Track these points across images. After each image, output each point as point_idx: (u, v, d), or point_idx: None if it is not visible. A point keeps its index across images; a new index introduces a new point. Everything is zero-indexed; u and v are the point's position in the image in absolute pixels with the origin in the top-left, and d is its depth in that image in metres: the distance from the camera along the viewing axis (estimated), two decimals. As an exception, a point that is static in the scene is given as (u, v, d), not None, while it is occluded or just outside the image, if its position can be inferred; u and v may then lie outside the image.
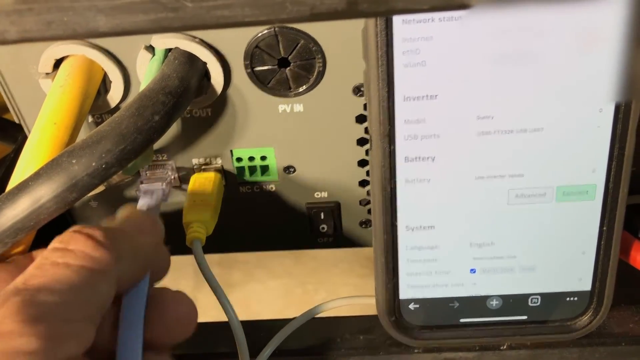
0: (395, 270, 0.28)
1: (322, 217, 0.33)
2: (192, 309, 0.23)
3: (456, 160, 0.26)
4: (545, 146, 0.25)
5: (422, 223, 0.27)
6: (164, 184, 0.29)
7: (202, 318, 0.43)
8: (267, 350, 0.28)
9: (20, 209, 0.23)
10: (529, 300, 0.28)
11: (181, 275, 0.45)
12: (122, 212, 0.24)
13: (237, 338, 0.26)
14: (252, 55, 0.27)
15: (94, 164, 0.23)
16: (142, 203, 0.27)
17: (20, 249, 0.27)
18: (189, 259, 0.45)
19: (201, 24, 0.18)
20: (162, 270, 0.25)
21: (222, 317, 0.41)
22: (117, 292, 0.21)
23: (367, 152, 0.31)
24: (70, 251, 0.21)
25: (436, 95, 0.24)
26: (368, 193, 0.32)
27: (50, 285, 0.19)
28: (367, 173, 0.31)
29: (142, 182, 0.30)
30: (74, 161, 0.23)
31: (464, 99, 0.24)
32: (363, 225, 0.34)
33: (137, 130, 0.24)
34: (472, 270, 0.28)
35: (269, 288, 0.50)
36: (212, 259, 0.45)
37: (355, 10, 0.17)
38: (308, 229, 0.34)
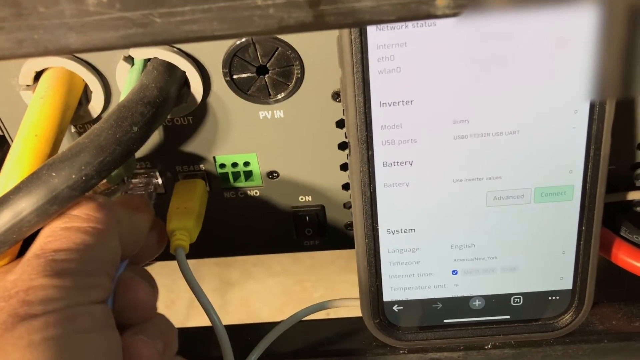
0: (378, 273, 0.28)
1: (307, 220, 0.33)
2: (149, 294, 0.25)
3: (434, 164, 0.26)
4: (521, 148, 0.25)
5: (403, 226, 0.27)
6: (149, 187, 0.29)
7: (197, 319, 0.43)
8: (254, 355, 0.29)
9: (2, 222, 0.24)
10: (512, 300, 0.29)
11: (178, 275, 0.45)
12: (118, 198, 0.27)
13: (222, 343, 0.27)
14: (231, 64, 0.27)
15: (73, 176, 0.23)
16: None
17: (4, 261, 0.27)
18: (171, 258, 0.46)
19: (170, 39, 0.18)
20: (153, 249, 0.28)
21: (220, 317, 0.42)
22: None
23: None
24: (75, 215, 0.23)
25: (412, 101, 0.25)
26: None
27: (66, 246, 0.22)
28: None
29: (126, 191, 0.30)
30: (53, 174, 0.23)
31: (439, 104, 0.25)
32: (349, 228, 0.34)
33: (115, 141, 0.24)
34: (454, 272, 0.28)
35: (268, 286, 0.51)
36: (196, 255, 0.46)
37: (322, 23, 0.18)
38: (294, 233, 0.34)
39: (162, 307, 0.42)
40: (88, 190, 0.24)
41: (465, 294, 0.29)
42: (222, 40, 0.19)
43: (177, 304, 0.47)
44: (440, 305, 0.29)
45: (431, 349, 0.30)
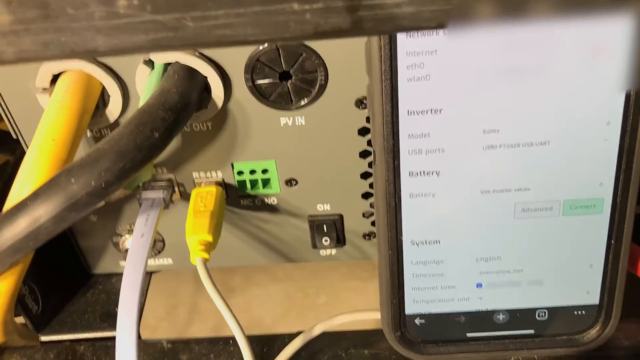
0: (401, 285, 0.27)
1: (325, 229, 0.33)
2: None
3: (462, 175, 0.25)
4: (551, 160, 0.25)
5: (428, 238, 0.27)
6: (165, 192, 0.29)
7: (203, 324, 0.42)
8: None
9: (19, 229, 0.23)
10: (536, 314, 0.28)
11: (181, 281, 0.44)
12: None
13: (244, 354, 0.26)
14: (253, 69, 0.26)
15: (93, 182, 0.23)
16: (144, 210, 0.26)
17: (19, 268, 0.26)
18: (189, 265, 0.45)
19: (202, 43, 0.17)
20: None
21: (222, 323, 0.41)
22: None
23: (369, 165, 0.30)
24: None
25: (441, 110, 0.24)
26: (371, 205, 0.32)
27: None
28: (370, 185, 0.31)
29: (142, 194, 0.29)
30: (73, 180, 0.23)
31: (469, 113, 0.24)
32: (366, 238, 0.33)
33: (136, 147, 0.24)
34: (479, 285, 0.28)
35: (270, 292, 0.50)
36: (211, 263, 0.45)
37: (359, 29, 0.17)
38: (310, 242, 0.34)
39: (163, 313, 0.41)
40: (107, 197, 0.24)
41: (489, 308, 0.28)
42: (254, 45, 0.18)
43: (178, 309, 0.47)
44: (463, 318, 0.28)
45: (452, 363, 0.29)
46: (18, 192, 0.25)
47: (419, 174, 0.25)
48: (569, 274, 0.27)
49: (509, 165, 0.25)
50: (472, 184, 0.25)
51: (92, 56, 0.18)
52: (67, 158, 0.26)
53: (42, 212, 0.23)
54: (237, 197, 0.32)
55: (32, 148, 0.26)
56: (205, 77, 0.26)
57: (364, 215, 0.32)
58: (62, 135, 0.26)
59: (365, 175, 0.31)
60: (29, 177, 0.25)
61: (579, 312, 0.28)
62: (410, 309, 0.28)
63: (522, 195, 0.26)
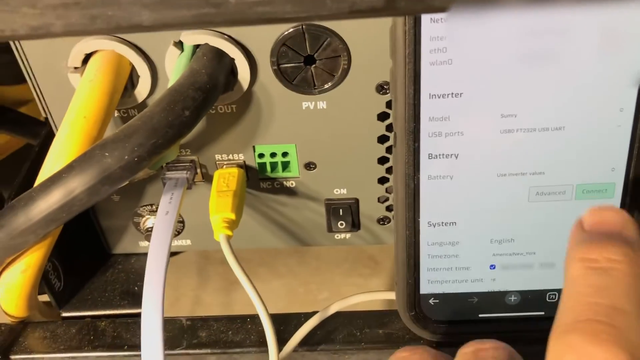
0: (416, 266, 0.28)
1: (341, 213, 0.33)
2: None
3: (479, 158, 0.26)
4: (566, 145, 0.26)
5: (444, 219, 0.27)
6: (188, 173, 0.30)
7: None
8: (292, 343, 0.29)
9: (53, 200, 0.24)
10: (547, 296, 0.29)
11: (184, 273, 0.45)
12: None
13: (266, 330, 0.27)
14: (279, 53, 0.27)
15: (126, 157, 0.24)
16: (168, 189, 0.27)
17: (48, 240, 0.27)
18: (191, 257, 0.46)
19: (243, 20, 0.18)
20: None
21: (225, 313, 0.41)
22: None
23: (387, 150, 0.31)
24: None
25: (461, 94, 0.25)
26: (387, 190, 0.33)
27: None
28: (387, 170, 0.32)
29: (165, 174, 0.30)
30: (106, 154, 0.24)
31: (488, 98, 0.25)
32: (381, 222, 0.34)
33: (168, 124, 0.24)
34: (492, 266, 0.28)
35: (272, 287, 0.51)
36: (216, 256, 0.45)
37: (393, 8, 0.18)
38: (325, 226, 0.34)
39: (166, 305, 0.42)
40: (138, 172, 0.25)
41: (501, 289, 0.29)
42: (292, 22, 0.19)
43: (181, 301, 0.47)
44: (476, 299, 0.29)
45: (463, 343, 0.30)
46: (50, 166, 0.26)
47: (438, 156, 0.26)
48: (579, 258, 0.28)
49: (525, 149, 0.26)
50: (489, 167, 0.26)
51: (136, 31, 0.19)
52: (98, 136, 0.27)
53: (77, 184, 0.24)
54: (257, 180, 0.33)
55: (64, 125, 0.26)
56: (233, 59, 0.27)
57: (379, 200, 0.33)
58: (93, 113, 0.26)
59: (382, 160, 0.31)
60: (61, 152, 0.26)
61: (589, 295, 0.29)
62: (425, 289, 0.29)
63: (536, 179, 0.26)
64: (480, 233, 0.28)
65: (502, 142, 0.26)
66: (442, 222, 0.28)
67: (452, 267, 0.28)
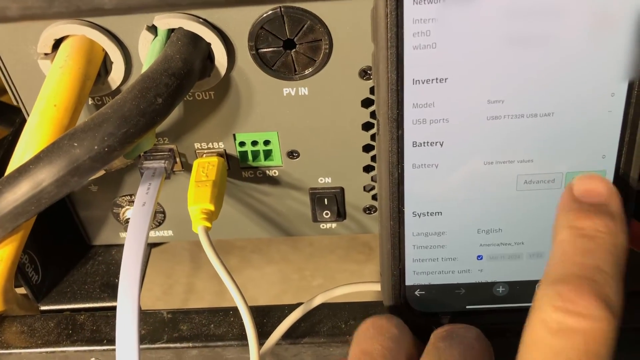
0: (402, 257, 0.27)
1: (326, 202, 0.33)
2: None
3: (465, 145, 0.25)
4: (555, 131, 0.25)
5: (430, 209, 0.27)
6: (166, 162, 0.29)
7: (198, 303, 0.42)
8: (275, 336, 0.28)
9: (20, 192, 0.23)
10: (536, 287, 0.28)
11: (177, 261, 0.44)
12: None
13: (246, 323, 0.26)
14: (257, 37, 0.26)
15: (96, 147, 0.23)
16: (145, 179, 0.26)
17: (20, 234, 0.26)
18: (185, 245, 0.45)
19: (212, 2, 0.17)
20: None
21: (218, 303, 0.41)
22: None
23: (372, 137, 0.30)
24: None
25: (446, 79, 0.24)
26: (372, 179, 0.32)
27: None
28: (372, 158, 0.31)
29: (143, 164, 0.29)
30: (75, 144, 0.23)
31: (474, 83, 0.24)
32: (367, 212, 0.33)
33: (140, 112, 0.23)
34: (479, 257, 0.28)
35: (266, 274, 0.50)
36: (211, 236, 0.45)
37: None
38: (310, 216, 0.34)
39: (159, 292, 0.41)
40: (109, 163, 0.24)
41: (489, 280, 0.28)
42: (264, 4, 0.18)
43: (174, 289, 0.47)
44: (463, 290, 0.28)
45: (451, 335, 0.30)
46: (20, 157, 0.25)
47: (422, 144, 0.25)
48: (569, 247, 0.27)
49: (513, 136, 0.25)
50: (476, 155, 0.25)
51: (98, 14, 0.18)
52: (69, 124, 0.26)
53: (45, 176, 0.23)
54: (238, 169, 0.32)
55: (34, 113, 0.25)
56: (209, 44, 0.26)
57: (365, 189, 0.32)
58: (64, 101, 0.25)
59: (367, 148, 0.30)
60: (31, 142, 0.25)
61: (579, 285, 0.28)
62: (410, 280, 0.28)
63: (524, 167, 0.26)
64: (466, 223, 0.27)
65: (489, 128, 0.25)
66: (428, 212, 0.27)
67: (438, 257, 0.28)
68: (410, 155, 0.25)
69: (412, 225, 0.27)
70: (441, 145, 0.25)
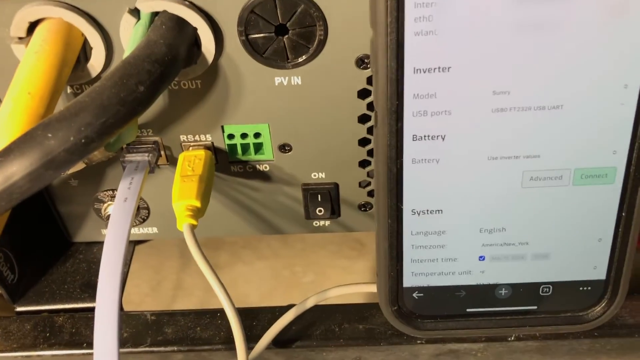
0: (399, 257, 0.26)
1: (319, 199, 0.31)
2: None
3: (468, 139, 0.24)
4: (564, 125, 0.23)
5: (430, 207, 0.25)
6: (150, 155, 0.27)
7: (187, 299, 0.41)
8: (265, 340, 0.26)
9: (-11, 187, 0.21)
10: (540, 289, 0.27)
11: (166, 257, 0.43)
12: None
13: (233, 326, 0.24)
14: (247, 21, 0.24)
15: (72, 138, 0.21)
16: (128, 174, 0.25)
17: (-9, 231, 0.24)
18: (174, 240, 0.44)
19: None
20: None
21: (208, 300, 0.39)
22: None
23: (368, 130, 0.29)
24: None
25: (449, 68, 0.22)
26: (368, 174, 0.30)
27: None
28: (368, 153, 0.30)
29: (125, 157, 0.27)
30: (49, 135, 0.21)
31: (479, 72, 0.22)
32: (362, 209, 0.32)
33: (120, 101, 0.22)
34: (481, 258, 0.26)
35: (256, 269, 0.49)
36: (198, 233, 0.43)
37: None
38: (303, 213, 0.32)
39: (147, 289, 0.40)
40: (87, 155, 0.22)
41: (491, 282, 0.27)
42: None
43: (163, 285, 0.46)
44: (464, 293, 0.27)
45: (451, 339, 0.28)
46: (-10, 148, 0.23)
47: (423, 137, 0.24)
48: (576, 248, 0.26)
49: (519, 129, 0.23)
50: (479, 150, 0.24)
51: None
52: (45, 114, 0.24)
53: (16, 169, 0.21)
54: (227, 163, 0.30)
55: (6, 102, 0.24)
56: (195, 29, 0.24)
57: (360, 185, 0.31)
58: (39, 88, 0.24)
59: (363, 142, 0.29)
60: (2, 132, 0.23)
61: (585, 287, 0.27)
62: (408, 281, 0.27)
63: (531, 163, 0.24)
64: (468, 222, 0.25)
65: (494, 121, 0.23)
66: (427, 210, 0.25)
67: (438, 258, 0.26)
68: (410, 149, 0.24)
69: (411, 223, 0.25)
70: (443, 139, 0.24)
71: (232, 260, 0.57)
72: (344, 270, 0.43)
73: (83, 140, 0.21)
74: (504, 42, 0.22)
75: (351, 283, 0.29)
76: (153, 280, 0.48)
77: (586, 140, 0.24)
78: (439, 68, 0.22)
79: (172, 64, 0.23)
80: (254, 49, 0.25)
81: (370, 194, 0.31)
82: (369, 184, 0.31)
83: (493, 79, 0.22)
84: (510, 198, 0.25)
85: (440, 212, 0.25)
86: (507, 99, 0.23)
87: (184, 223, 0.25)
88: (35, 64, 0.24)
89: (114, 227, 0.25)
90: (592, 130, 0.23)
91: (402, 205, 0.25)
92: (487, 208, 0.25)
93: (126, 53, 0.24)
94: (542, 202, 0.25)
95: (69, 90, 0.27)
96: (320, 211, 0.31)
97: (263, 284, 0.46)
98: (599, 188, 0.25)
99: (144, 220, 0.33)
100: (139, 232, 0.33)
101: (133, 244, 0.36)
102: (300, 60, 0.25)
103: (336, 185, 0.31)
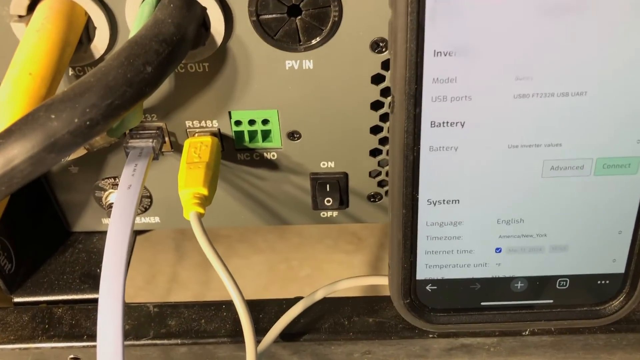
0: (413, 248, 0.25)
1: (328, 189, 0.30)
2: None
3: (488, 127, 0.23)
4: (587, 113, 0.23)
5: (446, 197, 0.24)
6: (154, 141, 0.26)
7: (183, 293, 0.40)
8: (272, 333, 0.26)
9: (-12, 170, 0.20)
10: (557, 283, 0.26)
11: (160, 249, 0.42)
12: None
13: (242, 318, 0.24)
14: (258, 1, 0.23)
15: (76, 120, 0.20)
16: (131, 160, 0.24)
17: (-11, 217, 0.23)
18: (168, 232, 0.43)
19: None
20: None
21: (204, 293, 0.38)
22: None
23: (381, 118, 0.28)
24: None
25: (470, 51, 0.21)
26: (379, 164, 0.30)
27: None
28: (380, 141, 0.29)
29: (128, 142, 0.26)
30: (53, 116, 0.20)
31: (501, 56, 0.21)
32: (372, 200, 0.31)
33: (126, 82, 0.21)
34: (498, 250, 0.25)
35: (252, 263, 0.48)
36: (192, 232, 0.43)
37: None
38: (310, 203, 0.31)
39: (142, 282, 0.39)
40: (91, 138, 0.21)
41: (507, 275, 0.26)
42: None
43: (157, 278, 0.45)
44: (479, 286, 0.26)
45: (463, 334, 0.28)
46: (-11, 131, 0.22)
47: (441, 124, 0.23)
48: (595, 240, 0.25)
49: (541, 117, 0.23)
50: (499, 138, 0.23)
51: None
52: (46, 96, 0.23)
53: (17, 152, 0.20)
54: (233, 151, 0.29)
55: (6, 82, 0.23)
56: (204, 9, 0.23)
57: (370, 174, 0.30)
58: (40, 69, 0.23)
59: (375, 130, 0.28)
60: (2, 115, 0.22)
61: (603, 281, 0.26)
62: (422, 274, 0.26)
63: (552, 152, 0.23)
64: (486, 212, 0.25)
65: (516, 108, 0.22)
66: (444, 200, 0.24)
67: (454, 250, 0.25)
68: (428, 136, 0.23)
69: (426, 214, 0.25)
70: (462, 125, 0.23)
71: (227, 254, 0.56)
72: (341, 265, 0.43)
73: (88, 123, 0.20)
74: (527, 26, 0.21)
75: (361, 275, 0.28)
76: (147, 274, 0.47)
77: (610, 128, 0.23)
78: (460, 51, 0.21)
79: (181, 44, 0.22)
80: (265, 31, 0.24)
81: (381, 184, 0.30)
82: (379, 173, 0.30)
83: (516, 64, 0.22)
84: (530, 188, 0.24)
85: (457, 202, 0.24)
86: (529, 85, 0.22)
87: (191, 211, 0.24)
88: (37, 43, 0.23)
89: (118, 214, 0.24)
90: (616, 118, 0.23)
91: (417, 195, 0.24)
92: (505, 198, 0.24)
93: (132, 33, 0.23)
94: (562, 193, 0.24)
95: (70, 72, 0.26)
96: (328, 201, 0.30)
97: (259, 278, 0.45)
98: (621, 178, 0.24)
99: (146, 209, 0.32)
100: (140, 221, 0.32)
101: (135, 234, 0.35)
102: (313, 42, 0.25)
103: (345, 175, 0.30)
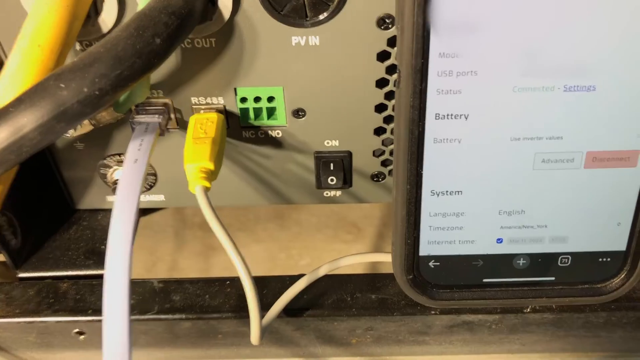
0: (417, 224, 0.25)
1: (332, 168, 0.30)
2: None
3: (492, 119, 0.23)
4: (592, 105, 0.23)
5: (449, 188, 0.24)
6: (160, 117, 0.26)
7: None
8: (276, 308, 0.26)
9: (-2, 138, 0.20)
10: (559, 260, 0.26)
11: (160, 237, 0.42)
12: None
13: (248, 293, 0.24)
14: (267, -24, 0.23)
15: (85, 89, 0.20)
16: (137, 135, 0.24)
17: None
18: (168, 221, 0.43)
19: None
20: None
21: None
22: None
23: (386, 96, 0.28)
24: None
25: (477, 26, 0.21)
26: (383, 142, 0.30)
27: None
28: (385, 120, 0.29)
29: (135, 118, 0.27)
30: (62, 85, 0.20)
31: (508, 33, 0.21)
32: (375, 179, 0.31)
33: (135, 53, 0.21)
34: (499, 240, 0.26)
35: (252, 252, 0.48)
36: (194, 220, 0.43)
37: None
38: (314, 182, 0.31)
39: (142, 270, 0.39)
40: (100, 108, 0.21)
41: (509, 252, 0.26)
42: None
43: (158, 266, 0.45)
44: (481, 262, 0.26)
45: (465, 310, 0.28)
46: (-3, 102, 0.22)
47: (445, 116, 0.23)
48: (595, 231, 0.25)
49: (545, 109, 0.23)
50: (502, 130, 0.23)
51: None
52: (55, 68, 0.23)
53: (26, 121, 0.20)
54: (238, 128, 0.29)
55: (15, 53, 0.23)
56: (213, -18, 0.24)
57: (374, 153, 0.30)
58: (50, 41, 0.23)
59: (380, 108, 0.28)
60: (11, 85, 0.22)
61: (604, 259, 0.26)
62: (424, 250, 0.26)
63: (554, 144, 0.23)
64: (488, 203, 0.25)
65: (520, 100, 0.22)
66: (447, 191, 0.25)
67: (456, 240, 0.26)
68: (432, 128, 0.23)
69: (429, 205, 0.25)
70: (466, 118, 0.23)
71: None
72: (340, 254, 0.43)
73: (97, 92, 0.20)
74: (534, 4, 0.21)
75: (363, 252, 0.29)
76: (147, 262, 0.47)
77: (612, 121, 0.23)
78: (467, 26, 0.21)
79: (189, 17, 0.22)
80: (272, 5, 0.24)
81: (384, 163, 0.31)
82: (383, 152, 0.30)
83: (523, 40, 0.22)
84: (531, 180, 0.24)
85: (459, 193, 0.25)
86: (534, 76, 0.22)
87: (197, 185, 0.24)
88: (46, 15, 0.23)
89: (124, 187, 0.24)
90: (620, 111, 0.23)
91: (422, 170, 0.24)
92: (507, 190, 0.25)
93: (140, 6, 0.23)
94: (562, 185, 0.24)
95: (77, 47, 0.26)
96: (332, 180, 0.31)
97: (259, 266, 0.45)
98: (621, 171, 0.24)
99: (151, 186, 0.32)
100: (145, 199, 0.32)
101: (139, 214, 0.35)
102: (320, 18, 0.25)
103: (349, 154, 0.30)
